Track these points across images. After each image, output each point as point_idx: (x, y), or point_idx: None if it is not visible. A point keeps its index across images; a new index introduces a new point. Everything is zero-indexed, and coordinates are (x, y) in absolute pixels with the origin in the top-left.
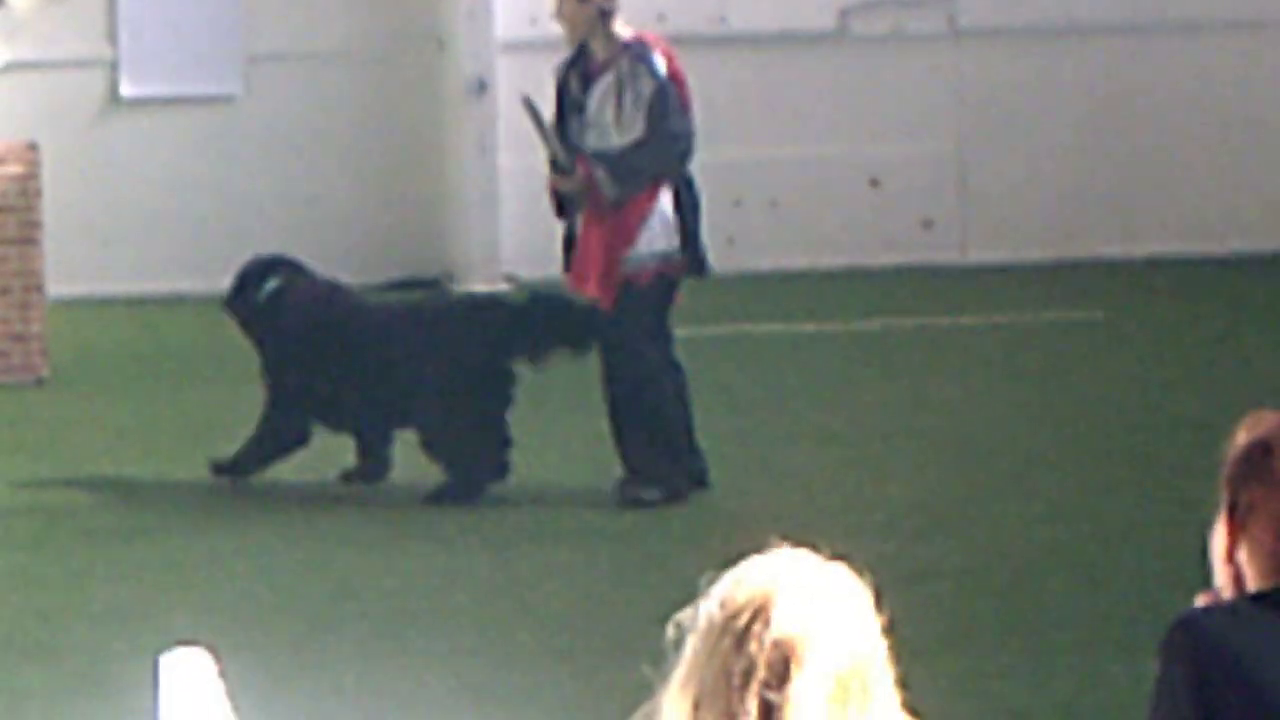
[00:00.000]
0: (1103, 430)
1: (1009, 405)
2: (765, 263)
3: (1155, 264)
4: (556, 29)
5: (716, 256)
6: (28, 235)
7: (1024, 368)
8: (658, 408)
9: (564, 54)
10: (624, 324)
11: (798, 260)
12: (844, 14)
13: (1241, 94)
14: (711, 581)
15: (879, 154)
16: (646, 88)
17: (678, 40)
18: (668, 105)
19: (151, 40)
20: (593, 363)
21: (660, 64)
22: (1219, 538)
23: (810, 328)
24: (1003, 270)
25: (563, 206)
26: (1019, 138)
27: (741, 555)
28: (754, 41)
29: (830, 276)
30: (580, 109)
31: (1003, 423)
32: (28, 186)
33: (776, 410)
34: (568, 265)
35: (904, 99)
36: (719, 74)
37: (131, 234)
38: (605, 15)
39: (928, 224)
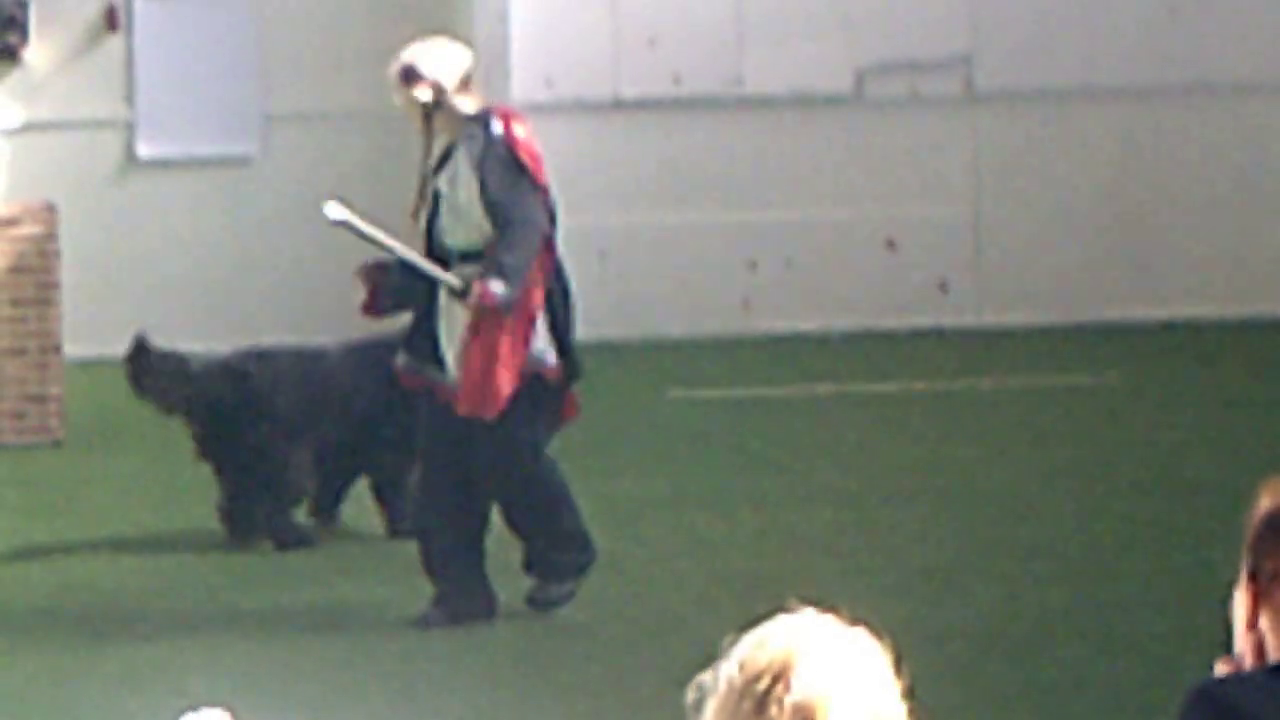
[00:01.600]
0: (1119, 493)
1: (1025, 468)
2: (780, 324)
3: (1172, 327)
4: (572, 89)
5: (731, 318)
6: (45, 296)
7: (1040, 431)
8: (557, 498)
9: (575, 119)
10: (518, 424)
11: (813, 322)
12: (860, 76)
13: (1257, 156)
14: (731, 644)
15: (895, 216)
16: (475, 148)
17: (694, 103)
18: (491, 165)
19: (168, 101)
20: (599, 422)
21: (496, 126)
22: (1240, 605)
23: (826, 390)
24: (1018, 333)
25: (383, 301)
26: (1035, 200)
27: (760, 618)
28: (770, 104)
29: (845, 338)
30: (439, 199)
31: (1019, 485)
32: (45, 247)
33: (791, 472)
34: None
35: (920, 161)
36: (735, 136)
37: (148, 294)
38: (440, 95)
39: (943, 286)
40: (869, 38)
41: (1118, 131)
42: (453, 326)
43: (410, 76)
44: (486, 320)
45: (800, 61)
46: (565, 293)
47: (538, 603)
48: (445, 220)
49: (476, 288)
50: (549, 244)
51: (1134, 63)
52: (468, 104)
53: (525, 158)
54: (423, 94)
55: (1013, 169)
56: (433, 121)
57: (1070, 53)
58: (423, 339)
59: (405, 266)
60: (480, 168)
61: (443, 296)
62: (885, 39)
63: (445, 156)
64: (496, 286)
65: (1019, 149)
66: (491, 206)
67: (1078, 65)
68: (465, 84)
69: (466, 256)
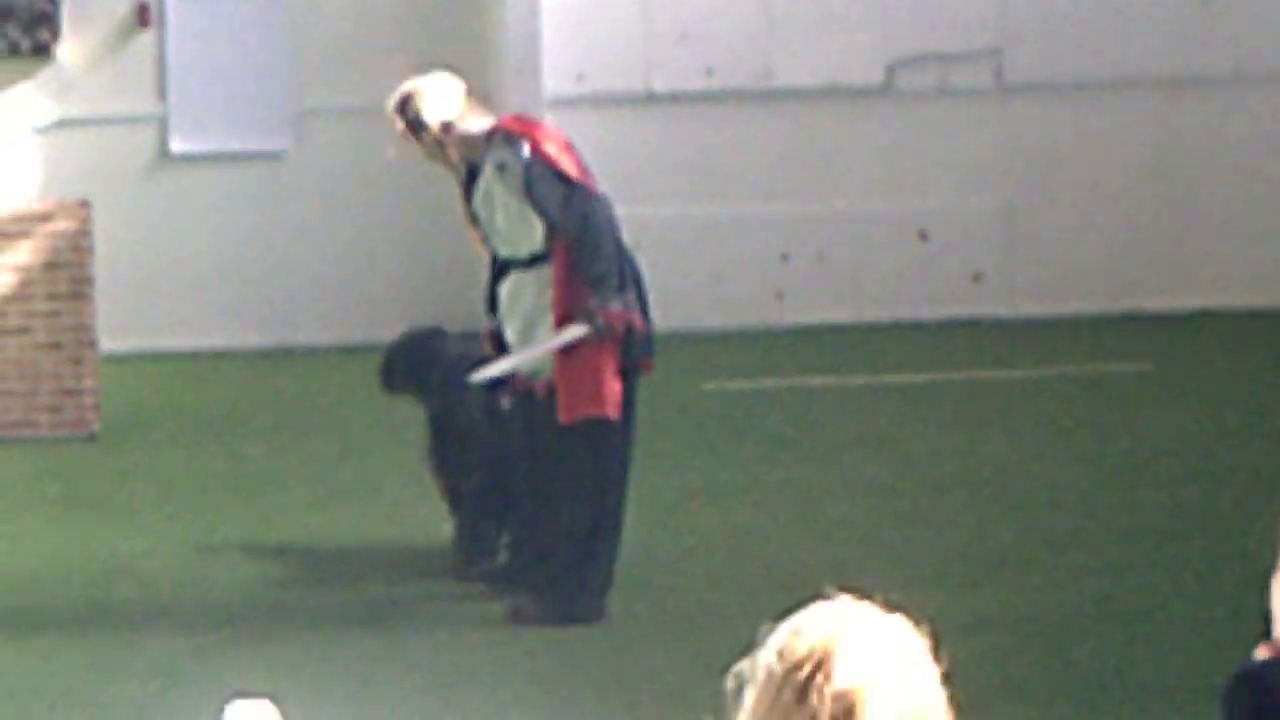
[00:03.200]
0: (1153, 482)
1: (1059, 458)
2: (813, 316)
3: (1205, 316)
4: (604, 83)
5: (764, 310)
6: (79, 291)
7: (1074, 420)
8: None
9: (607, 113)
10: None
11: (846, 313)
12: (890, 69)
13: None
14: (769, 632)
15: (927, 208)
16: (514, 180)
17: (725, 95)
18: (540, 191)
19: (201, 96)
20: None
21: (525, 149)
22: (1278, 591)
23: (859, 380)
24: (1051, 323)
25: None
26: (1067, 190)
27: (796, 606)
28: (801, 96)
29: (878, 330)
30: (478, 222)
31: (1053, 475)
32: (79, 243)
33: (826, 462)
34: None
35: (952, 153)
36: (766, 129)
37: (182, 289)
38: (448, 131)
39: (976, 277)
40: (900, 30)
41: (1149, 122)
42: (526, 332)
43: (416, 127)
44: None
45: (831, 54)
46: (637, 281)
47: (522, 617)
48: (494, 240)
49: (602, 318)
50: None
51: (1166, 53)
52: (477, 123)
53: (566, 167)
54: (432, 138)
55: (1045, 160)
56: (451, 156)
57: (1101, 44)
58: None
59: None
60: (531, 196)
61: (504, 303)
62: (916, 31)
63: (471, 178)
64: (612, 303)
65: (1051, 140)
66: (556, 228)
67: (1109, 57)
68: (467, 106)
69: (525, 263)
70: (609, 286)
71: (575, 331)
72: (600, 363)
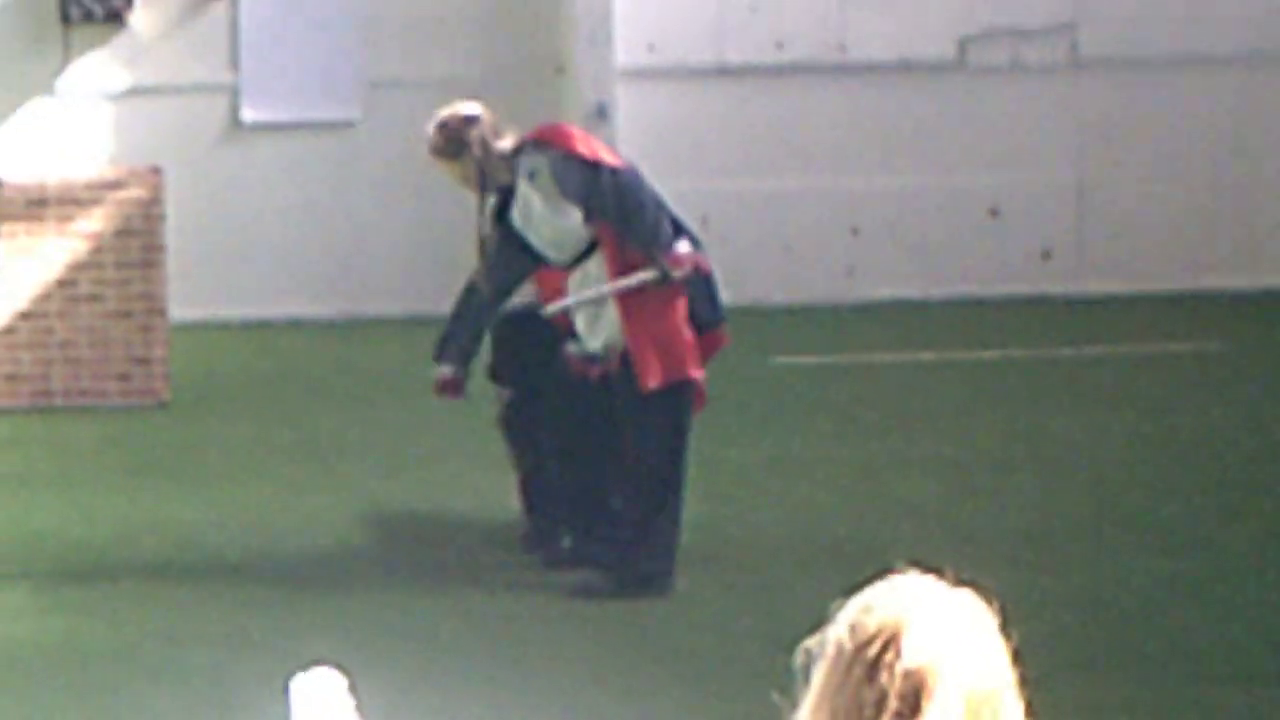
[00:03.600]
0: (1223, 460)
1: (1129, 436)
2: (883, 292)
3: (1276, 294)
4: (675, 55)
5: (835, 285)
6: (150, 259)
7: (1143, 398)
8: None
9: (678, 85)
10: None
11: (916, 289)
12: (963, 44)
13: None
14: (838, 608)
15: (998, 184)
16: (545, 183)
17: (796, 69)
18: (568, 183)
19: (273, 66)
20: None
21: (542, 149)
22: None
23: (928, 357)
24: (1121, 301)
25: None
26: (1139, 167)
27: (865, 582)
28: (873, 71)
29: (948, 306)
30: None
31: (1123, 453)
32: (150, 210)
33: (894, 439)
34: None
35: (1023, 129)
36: (838, 103)
37: (252, 258)
38: (486, 150)
39: (1047, 254)
40: (972, 5)
41: (1222, 98)
42: (595, 313)
43: (457, 149)
44: (633, 296)
45: (903, 28)
46: (693, 237)
47: (589, 590)
48: (546, 253)
49: (665, 260)
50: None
51: (1238, 30)
52: (507, 143)
53: (583, 150)
54: (471, 159)
55: (1116, 136)
56: (488, 178)
57: (1174, 20)
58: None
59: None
60: (563, 188)
61: (572, 292)
62: (988, 6)
63: (506, 200)
64: (678, 255)
65: (1122, 116)
66: (593, 212)
67: (1181, 32)
68: (496, 129)
69: (583, 257)
70: (662, 244)
71: (642, 275)
72: (671, 325)
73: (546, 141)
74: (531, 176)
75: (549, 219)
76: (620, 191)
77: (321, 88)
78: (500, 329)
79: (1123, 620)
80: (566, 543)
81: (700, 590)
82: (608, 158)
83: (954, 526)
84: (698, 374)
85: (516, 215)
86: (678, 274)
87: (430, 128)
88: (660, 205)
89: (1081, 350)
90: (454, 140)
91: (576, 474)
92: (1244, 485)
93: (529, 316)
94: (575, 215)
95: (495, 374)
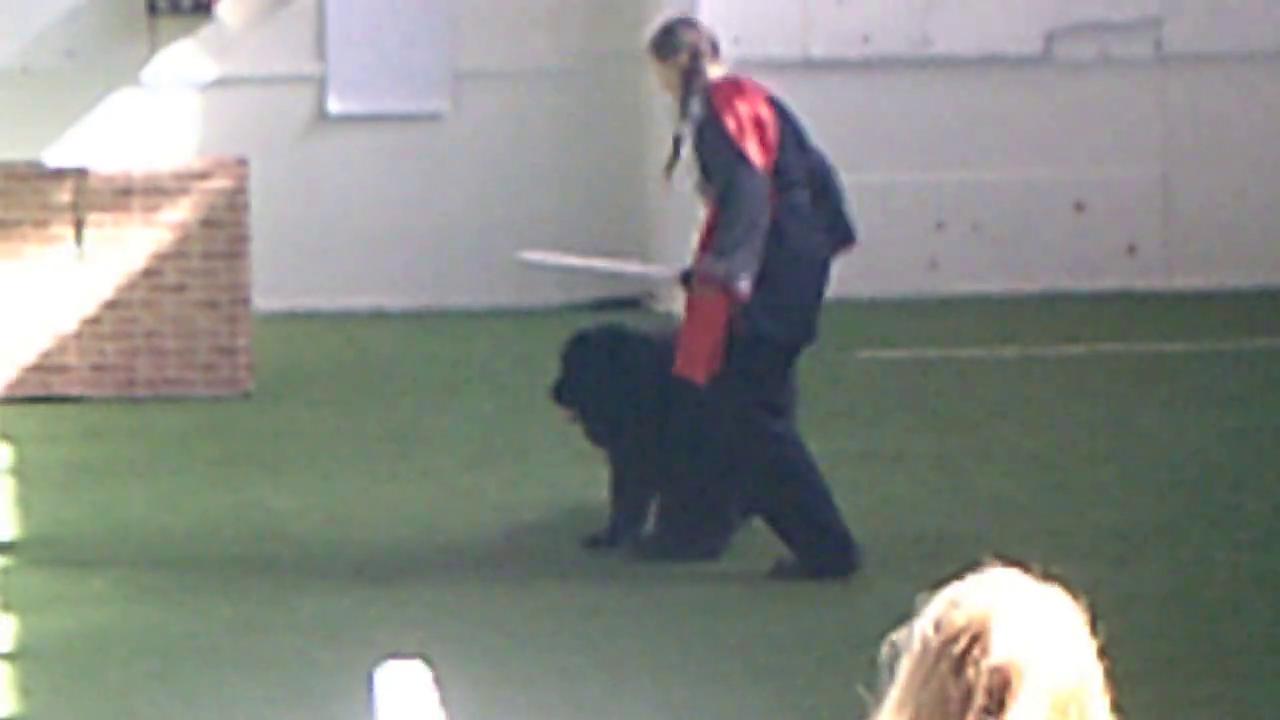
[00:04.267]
0: None
1: (1214, 431)
2: (967, 286)
3: None
4: (761, 47)
5: (918, 279)
6: (236, 249)
7: (1230, 394)
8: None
9: (763, 77)
10: (723, 389)
11: (1000, 284)
12: (1049, 38)
13: None
14: (925, 602)
15: (1084, 178)
16: (694, 124)
17: (881, 62)
18: (705, 141)
19: (359, 57)
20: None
21: (713, 98)
22: None
23: (1012, 351)
24: (1208, 296)
25: None
26: (1225, 162)
27: (950, 576)
28: (958, 64)
29: (1033, 301)
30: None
31: (1208, 449)
32: (236, 201)
33: (978, 433)
34: None
35: (1109, 123)
36: (923, 97)
37: (337, 249)
38: (695, 61)
39: (1132, 249)
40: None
41: None
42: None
43: (670, 49)
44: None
45: (989, 22)
46: (796, 258)
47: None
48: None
49: (697, 272)
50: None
51: None
52: (715, 71)
53: (734, 129)
54: (678, 64)
55: (1202, 131)
56: (690, 88)
57: (1261, 15)
58: None
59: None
60: (698, 149)
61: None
62: (1075, 1)
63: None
64: (714, 266)
65: (1209, 111)
66: (702, 185)
67: (1269, 27)
68: (712, 49)
69: None
70: (727, 253)
71: (659, 270)
72: (703, 326)
73: (714, 96)
74: (694, 130)
75: (694, 169)
76: (735, 188)
77: (407, 79)
78: (572, 349)
79: (1208, 616)
80: (643, 532)
81: (784, 584)
82: (754, 150)
83: (1038, 522)
84: (700, 378)
85: (688, 155)
86: (690, 286)
87: (650, 31)
88: (754, 228)
89: (1166, 346)
90: (668, 39)
91: (663, 470)
92: None
93: (605, 337)
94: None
95: (559, 394)
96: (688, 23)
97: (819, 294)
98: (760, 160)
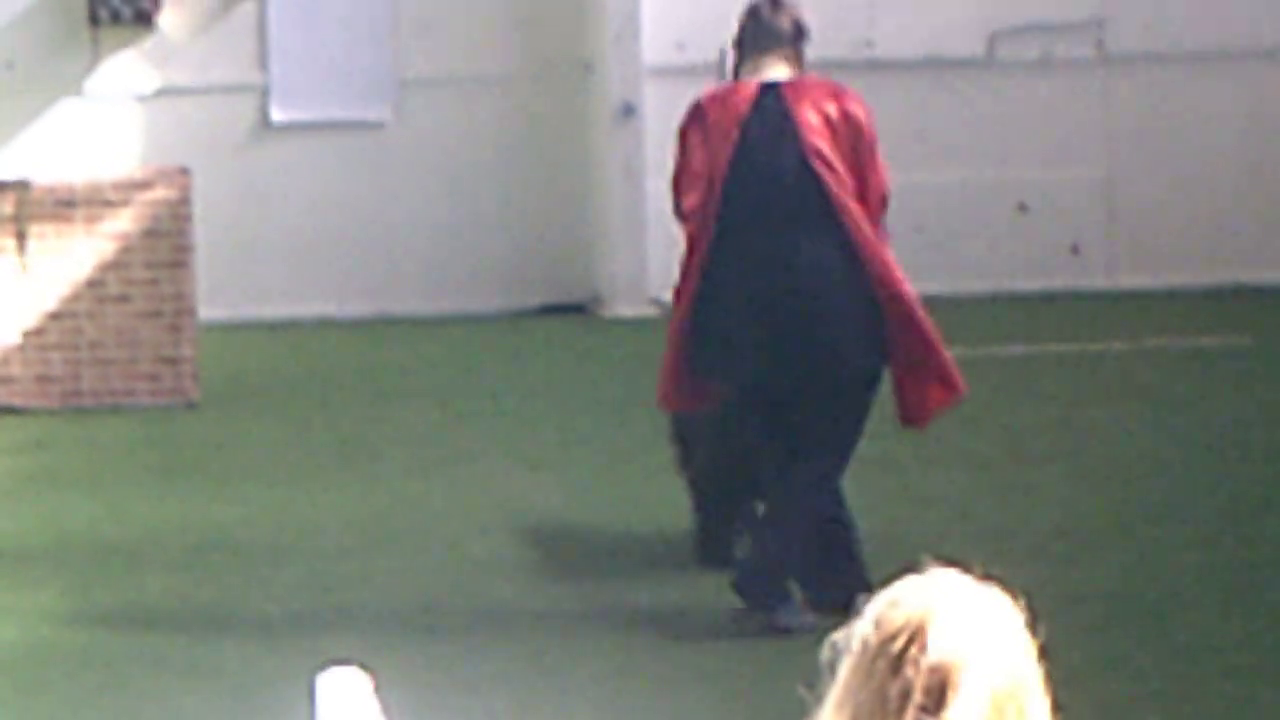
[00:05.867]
0: (1252, 455)
1: (1157, 431)
2: (911, 286)
3: None
4: (703, 53)
5: None
6: (179, 259)
7: (1172, 393)
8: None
9: (706, 83)
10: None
11: (944, 284)
12: (992, 40)
13: None
14: (865, 602)
15: (1027, 179)
16: None
17: (824, 66)
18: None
19: (302, 66)
20: None
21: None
22: None
23: (957, 352)
24: (1151, 296)
25: None
26: (1168, 162)
27: (892, 578)
28: (901, 67)
29: (977, 301)
30: None
31: (1151, 448)
32: (179, 211)
33: (922, 434)
34: None
35: (1052, 124)
36: (866, 99)
37: (281, 258)
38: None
39: (1076, 249)
40: (1001, 1)
41: (1250, 93)
42: None
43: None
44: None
45: (932, 24)
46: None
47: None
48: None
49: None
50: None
51: (1266, 24)
52: (749, 71)
53: (686, 150)
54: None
55: (1145, 131)
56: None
57: (1203, 15)
58: None
59: None
60: None
61: None
62: (1017, 2)
63: None
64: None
65: (1151, 111)
66: None
67: (1210, 27)
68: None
69: None
70: None
71: None
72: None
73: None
74: None
75: None
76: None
77: (350, 88)
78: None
79: (1153, 614)
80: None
81: (724, 584)
82: (690, 188)
83: (982, 521)
84: (665, 408)
85: None
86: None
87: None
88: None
89: (1110, 345)
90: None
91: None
92: (1274, 479)
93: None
94: None
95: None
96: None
97: (767, 331)
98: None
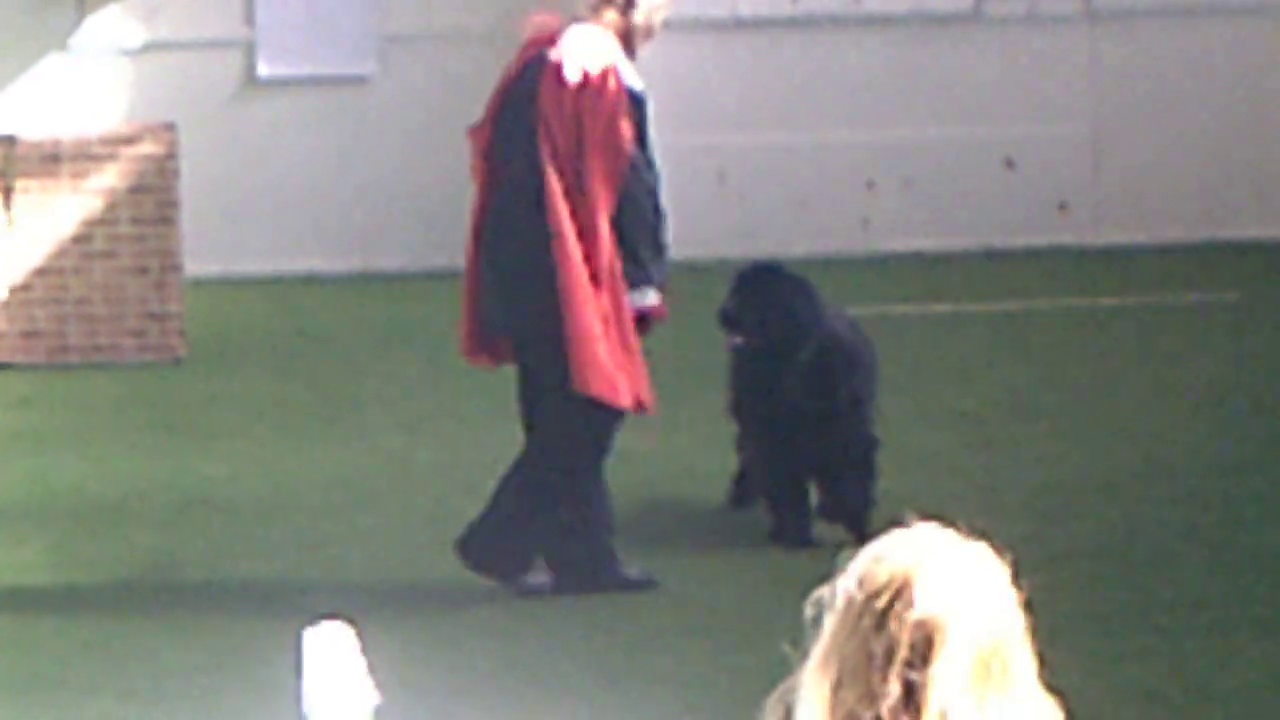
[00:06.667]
0: (1238, 411)
1: (1144, 387)
2: (898, 244)
3: None
4: (690, 7)
5: (850, 237)
6: (165, 215)
7: (1158, 349)
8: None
9: (693, 37)
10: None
11: (931, 241)
12: None
13: None
14: (849, 558)
15: (1014, 135)
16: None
17: (812, 21)
18: None
19: (288, 21)
20: (718, 343)
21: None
22: None
23: (943, 309)
24: (1137, 251)
25: None
26: (1154, 118)
27: (877, 534)
28: (889, 22)
29: (964, 258)
30: None
31: (1137, 404)
32: (165, 166)
33: (910, 391)
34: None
35: (1039, 80)
36: (854, 55)
37: (268, 213)
38: (648, 26)
39: (1062, 205)
40: None
41: (1237, 48)
42: None
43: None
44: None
45: None
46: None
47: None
48: None
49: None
50: None
51: None
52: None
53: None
54: (625, 20)
55: (1132, 87)
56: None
57: None
58: None
59: None
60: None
61: None
62: None
63: None
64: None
65: (1138, 67)
66: None
67: None
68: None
69: None
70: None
71: None
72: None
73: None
74: None
75: None
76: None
77: (336, 43)
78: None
79: (1139, 570)
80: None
81: (709, 540)
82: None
83: (970, 478)
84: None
85: None
86: None
87: None
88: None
89: (1097, 301)
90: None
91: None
92: (1259, 435)
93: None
94: None
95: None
96: None
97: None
98: None
